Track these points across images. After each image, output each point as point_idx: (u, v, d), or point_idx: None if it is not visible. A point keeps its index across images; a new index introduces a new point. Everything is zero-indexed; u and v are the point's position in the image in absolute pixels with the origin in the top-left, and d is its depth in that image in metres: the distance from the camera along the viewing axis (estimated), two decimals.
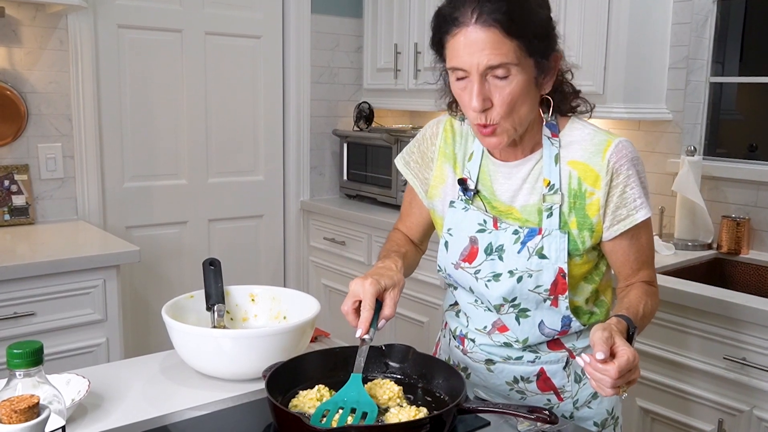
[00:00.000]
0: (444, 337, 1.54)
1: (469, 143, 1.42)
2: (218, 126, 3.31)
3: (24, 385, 0.85)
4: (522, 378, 1.38)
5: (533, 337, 1.35)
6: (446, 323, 1.53)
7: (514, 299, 1.32)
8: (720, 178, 2.55)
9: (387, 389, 1.16)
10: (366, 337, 1.18)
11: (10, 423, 0.79)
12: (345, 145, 3.55)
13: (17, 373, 0.85)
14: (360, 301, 1.21)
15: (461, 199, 1.38)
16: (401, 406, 1.12)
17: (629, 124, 2.79)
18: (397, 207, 3.15)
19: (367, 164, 3.43)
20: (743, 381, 1.89)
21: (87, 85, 2.84)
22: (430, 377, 1.22)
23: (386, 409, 1.12)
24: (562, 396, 1.39)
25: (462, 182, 1.38)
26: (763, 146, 2.68)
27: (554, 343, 1.37)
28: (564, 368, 1.38)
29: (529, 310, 1.33)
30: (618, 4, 2.45)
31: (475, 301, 1.40)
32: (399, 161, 1.53)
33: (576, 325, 1.34)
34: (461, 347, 1.44)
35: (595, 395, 1.41)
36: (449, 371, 1.20)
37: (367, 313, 1.19)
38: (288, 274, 3.65)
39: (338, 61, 3.65)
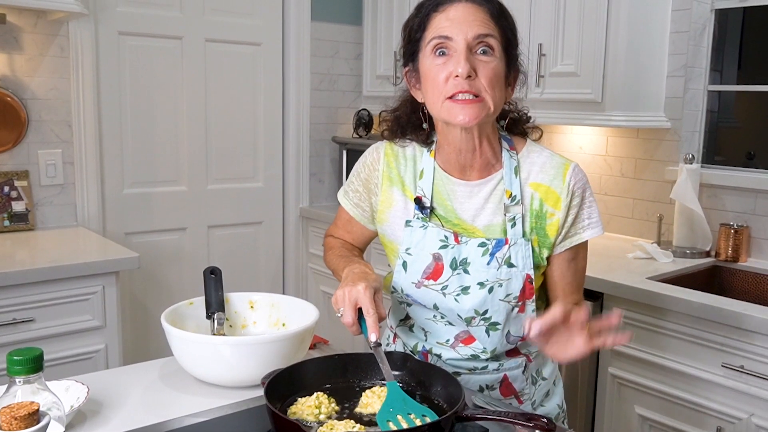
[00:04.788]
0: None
1: (417, 163, 1.42)
2: (218, 132, 3.32)
3: (24, 392, 0.86)
4: (487, 386, 1.41)
5: (500, 346, 1.38)
6: (395, 337, 1.53)
7: (485, 311, 1.34)
8: (718, 186, 2.56)
9: (385, 396, 1.16)
10: (379, 342, 1.19)
11: (10, 430, 0.80)
12: (344, 152, 3.56)
13: (17, 380, 0.86)
14: (359, 309, 1.21)
15: (418, 218, 1.38)
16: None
17: (628, 131, 2.80)
18: None
19: None
20: (741, 389, 1.89)
21: (87, 91, 2.85)
22: (428, 385, 1.22)
23: None
24: (522, 399, 1.43)
25: (418, 200, 1.39)
26: (761, 154, 2.69)
27: (513, 351, 1.41)
28: (523, 372, 1.42)
29: (498, 324, 1.36)
30: (616, 13, 2.46)
31: (434, 316, 1.40)
32: (340, 193, 1.53)
33: None
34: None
35: (547, 394, 1.48)
36: (447, 379, 1.20)
37: (373, 318, 1.20)
38: (287, 281, 3.65)
39: (338, 68, 3.66)
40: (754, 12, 2.66)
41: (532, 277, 1.33)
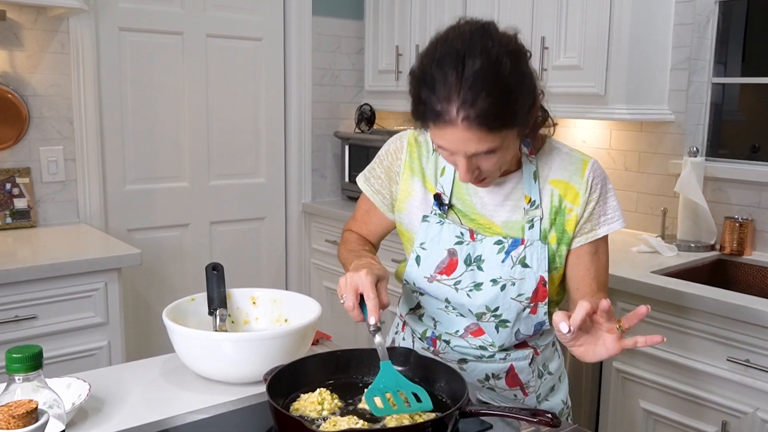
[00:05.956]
0: (403, 339, 1.54)
1: (439, 158, 1.41)
2: (219, 128, 3.31)
3: (23, 390, 0.85)
4: (493, 375, 1.42)
5: (508, 342, 1.40)
6: (404, 325, 1.54)
7: (497, 308, 1.35)
8: (722, 179, 2.55)
9: None
10: (378, 326, 1.19)
11: (8, 429, 0.79)
12: (346, 147, 3.55)
13: (16, 378, 0.85)
14: (361, 295, 1.21)
15: (435, 214, 1.39)
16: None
17: (631, 125, 2.79)
18: None
19: None
20: (747, 383, 1.88)
21: (88, 88, 2.84)
22: (432, 380, 1.22)
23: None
24: (527, 391, 1.44)
25: (438, 197, 1.39)
26: (765, 147, 2.67)
27: (521, 343, 1.42)
28: (529, 364, 1.43)
29: (509, 322, 1.36)
30: (620, 5, 2.44)
31: (446, 307, 1.41)
32: (360, 179, 1.53)
33: (545, 326, 1.39)
34: (433, 348, 1.45)
35: (552, 389, 1.49)
36: (451, 374, 1.19)
37: (373, 301, 1.19)
38: (290, 277, 3.65)
39: (339, 63, 3.65)
40: (759, 4, 2.65)
41: (546, 279, 1.33)
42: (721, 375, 1.93)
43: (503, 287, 1.33)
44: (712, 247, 2.52)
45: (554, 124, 1.39)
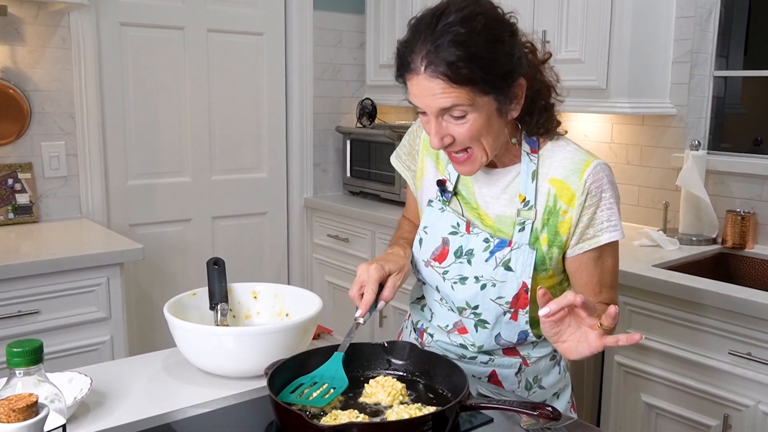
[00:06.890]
0: (406, 328, 1.57)
1: None
2: (221, 123, 3.31)
3: (24, 384, 0.85)
4: (473, 377, 1.39)
5: (488, 345, 1.38)
6: (409, 314, 1.57)
7: (476, 307, 1.35)
8: (725, 173, 2.54)
9: (389, 386, 1.16)
10: (360, 320, 1.24)
11: (8, 422, 0.79)
12: (348, 142, 3.55)
13: (17, 372, 0.85)
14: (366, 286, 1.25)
15: (439, 200, 1.40)
16: (404, 404, 1.11)
17: (633, 118, 2.78)
18: (400, 203, 3.16)
19: (371, 161, 3.42)
20: (749, 376, 1.88)
21: (90, 83, 2.84)
22: (432, 374, 1.22)
23: (389, 407, 1.12)
24: None
25: (441, 183, 1.40)
26: (767, 140, 2.66)
27: (510, 350, 1.40)
28: (516, 374, 1.40)
29: (488, 323, 1.35)
30: None
31: (441, 299, 1.42)
32: (393, 157, 1.56)
33: (531, 337, 1.37)
34: (420, 340, 1.47)
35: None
36: (451, 368, 1.19)
37: (368, 296, 1.24)
38: (292, 272, 3.65)
39: (341, 58, 3.64)
40: None
41: (529, 286, 1.30)
42: (722, 368, 1.93)
43: (483, 286, 1.32)
44: (714, 241, 2.51)
45: (564, 131, 1.37)
